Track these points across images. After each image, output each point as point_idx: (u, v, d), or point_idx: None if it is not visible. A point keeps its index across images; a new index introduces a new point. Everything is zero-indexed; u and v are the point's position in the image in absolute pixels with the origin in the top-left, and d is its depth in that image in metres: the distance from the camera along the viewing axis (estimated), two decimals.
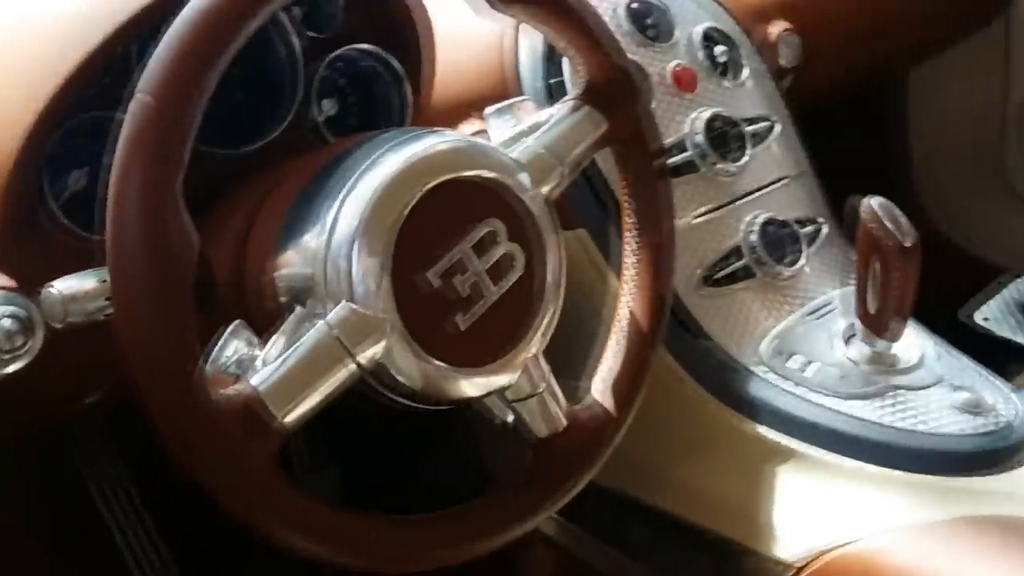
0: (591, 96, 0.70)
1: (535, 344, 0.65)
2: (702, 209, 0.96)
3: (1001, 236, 1.52)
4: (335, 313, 0.58)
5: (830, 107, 1.47)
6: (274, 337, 0.59)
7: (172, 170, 0.52)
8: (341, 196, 0.61)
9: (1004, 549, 0.78)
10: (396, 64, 0.80)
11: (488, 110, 0.73)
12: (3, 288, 0.60)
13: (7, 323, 0.59)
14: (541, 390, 0.66)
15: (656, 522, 0.95)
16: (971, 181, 1.57)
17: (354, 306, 0.58)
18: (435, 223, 0.61)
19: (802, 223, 1.00)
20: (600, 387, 0.72)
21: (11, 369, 0.59)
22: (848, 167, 1.13)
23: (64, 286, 0.59)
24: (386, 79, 0.81)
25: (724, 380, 0.91)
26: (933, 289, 1.08)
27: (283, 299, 0.63)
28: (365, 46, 0.79)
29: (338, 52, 0.79)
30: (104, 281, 0.59)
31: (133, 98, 0.53)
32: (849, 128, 1.54)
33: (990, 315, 1.05)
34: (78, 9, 0.66)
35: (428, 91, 0.83)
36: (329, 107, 0.82)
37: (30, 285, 0.61)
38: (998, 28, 1.46)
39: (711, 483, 0.92)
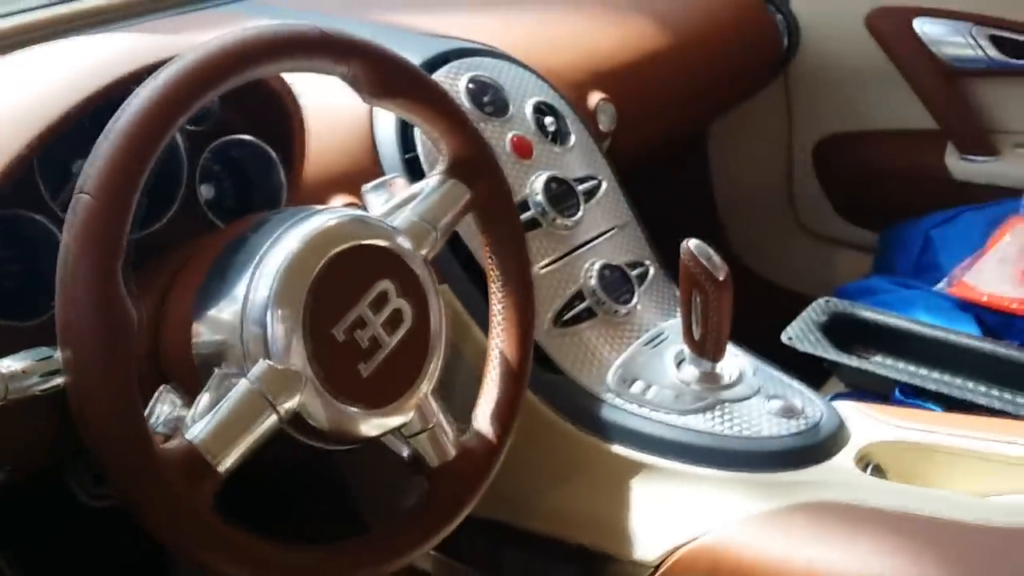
0: (455, 171, 0.79)
1: (426, 385, 0.73)
2: (547, 260, 1.04)
3: (796, 266, 1.68)
4: (255, 370, 0.64)
5: (650, 162, 1.61)
6: (199, 397, 0.66)
7: (115, 258, 0.58)
8: (250, 272, 0.67)
9: (826, 528, 0.87)
10: (270, 151, 0.86)
11: (365, 187, 0.81)
12: None
13: None
14: (432, 425, 0.75)
15: (527, 544, 1.02)
16: (767, 220, 1.72)
17: (272, 363, 0.65)
18: (336, 287, 0.68)
19: (632, 266, 1.09)
20: (481, 418, 0.80)
21: None
22: (670, 214, 1.25)
23: (2, 366, 0.64)
24: (262, 164, 0.87)
25: (579, 408, 0.99)
26: (750, 317, 1.22)
27: (198, 364, 0.69)
28: (242, 136, 0.85)
29: (217, 143, 0.84)
30: (40, 360, 0.65)
31: (75, 197, 0.59)
32: (669, 180, 1.66)
33: (793, 334, 1.20)
34: (1, 116, 0.71)
35: (299, 172, 0.89)
36: (207, 191, 0.87)
37: None
38: (779, 84, 1.63)
39: (575, 501, 0.99)
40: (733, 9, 1.51)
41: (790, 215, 1.72)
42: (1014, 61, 1.46)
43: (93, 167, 0.59)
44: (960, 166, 1.53)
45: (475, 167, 0.80)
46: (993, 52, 1.46)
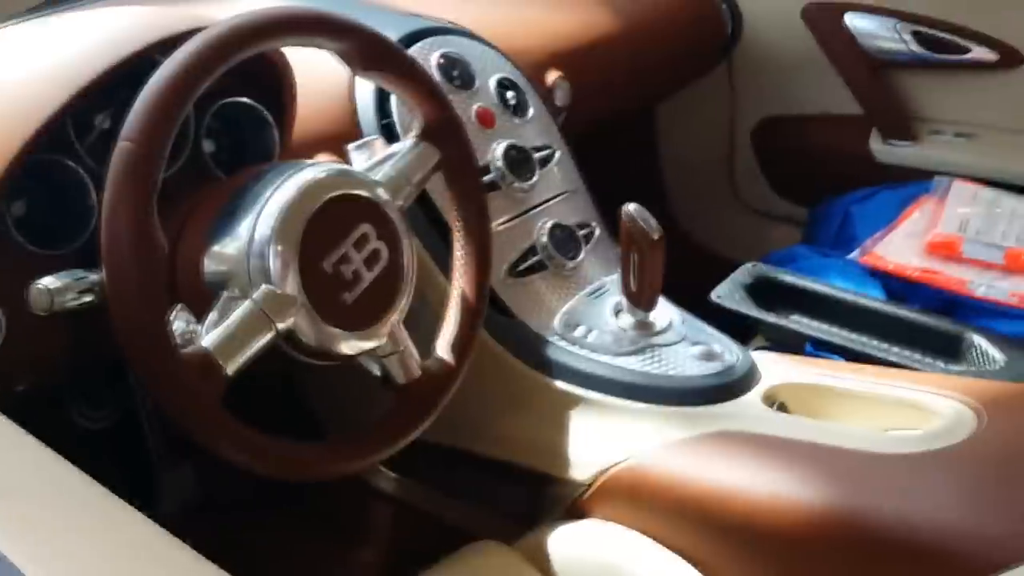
0: (427, 135, 0.91)
1: (398, 315, 0.86)
2: (504, 218, 1.15)
3: (733, 235, 1.80)
4: (258, 294, 0.77)
5: (602, 135, 1.72)
6: (209, 315, 0.78)
7: (151, 194, 0.71)
8: (255, 213, 0.80)
9: (733, 454, 0.98)
10: (266, 112, 0.98)
11: (350, 146, 0.93)
12: None
13: None
14: (401, 349, 0.88)
15: (479, 466, 1.14)
16: (708, 193, 1.84)
17: (272, 287, 0.78)
18: (326, 228, 0.81)
19: (580, 227, 1.20)
20: (442, 347, 0.92)
21: None
22: (619, 182, 1.36)
23: (48, 282, 0.76)
24: (257, 124, 0.99)
25: (528, 348, 1.10)
26: (680, 277, 1.34)
27: (206, 290, 0.82)
28: (242, 99, 0.97)
29: (219, 104, 0.96)
30: (77, 279, 0.77)
31: (119, 144, 0.72)
32: (619, 152, 1.79)
33: (722, 293, 1.33)
34: (38, 75, 0.83)
35: (290, 132, 1.01)
36: (208, 146, 0.98)
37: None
38: (723, 69, 1.75)
39: (522, 429, 1.10)
40: None
41: (729, 189, 1.83)
42: (934, 55, 1.58)
43: (134, 119, 0.72)
44: (882, 149, 1.64)
45: (445, 132, 0.92)
46: (915, 47, 1.58)
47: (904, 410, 1.03)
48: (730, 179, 1.82)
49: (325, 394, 1.27)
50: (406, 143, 0.92)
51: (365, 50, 0.85)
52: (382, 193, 0.86)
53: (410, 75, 0.89)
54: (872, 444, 0.97)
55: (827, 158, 1.71)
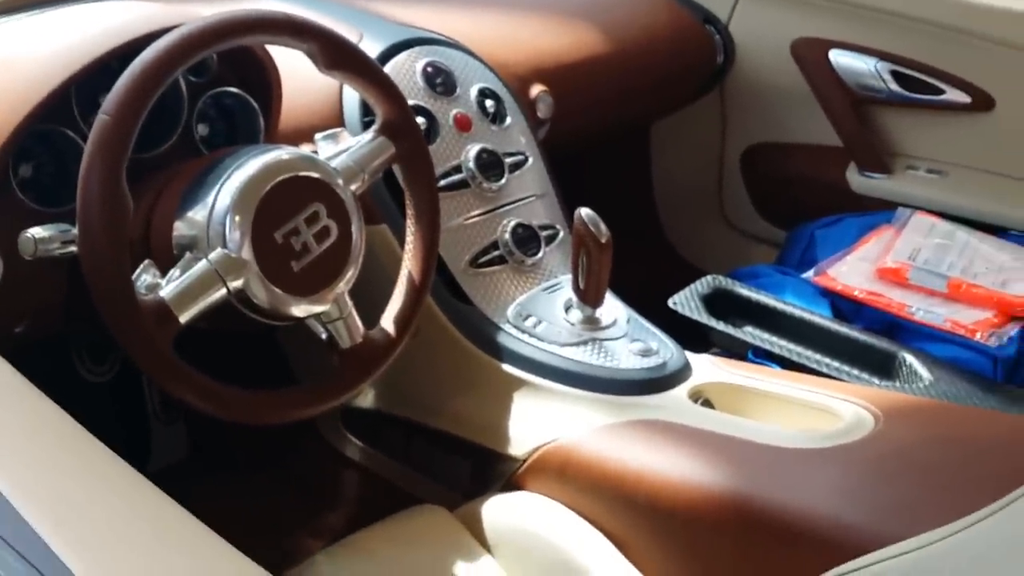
0: (384, 130, 1.02)
1: (344, 286, 0.96)
2: (472, 214, 1.24)
3: (716, 253, 1.87)
4: (214, 255, 0.89)
5: (598, 150, 1.82)
6: (172, 271, 0.90)
7: (120, 161, 0.83)
8: (219, 185, 0.92)
9: (653, 440, 1.06)
10: (253, 102, 1.10)
11: (318, 135, 1.04)
12: None
13: None
14: (345, 316, 0.98)
15: (433, 439, 1.23)
16: (696, 211, 1.92)
17: (227, 251, 0.90)
18: (281, 203, 0.91)
19: (543, 228, 1.28)
20: (386, 319, 1.03)
21: None
22: (613, 194, 1.44)
23: (34, 232, 0.89)
24: (246, 112, 1.10)
25: (482, 334, 1.18)
26: (661, 286, 1.41)
27: (175, 251, 0.94)
28: (232, 89, 1.09)
29: (211, 92, 1.08)
30: (62, 231, 0.89)
31: (98, 117, 0.84)
32: (614, 166, 1.89)
33: (678, 300, 1.42)
34: (47, 54, 0.95)
35: (276, 121, 1.12)
36: (203, 129, 1.10)
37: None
38: (716, 95, 1.83)
39: (471, 407, 1.19)
40: (672, 26, 1.70)
41: (716, 208, 1.90)
42: (911, 95, 1.66)
43: (112, 97, 0.84)
44: (859, 180, 1.72)
45: (400, 129, 1.02)
46: (894, 86, 1.66)
47: (814, 412, 1.11)
48: (717, 199, 1.90)
49: (303, 356, 1.38)
50: (365, 136, 1.03)
51: (327, 50, 0.97)
52: (336, 178, 0.97)
53: (369, 75, 1.00)
54: (777, 440, 1.05)
55: (808, 185, 1.78)
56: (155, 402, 1.50)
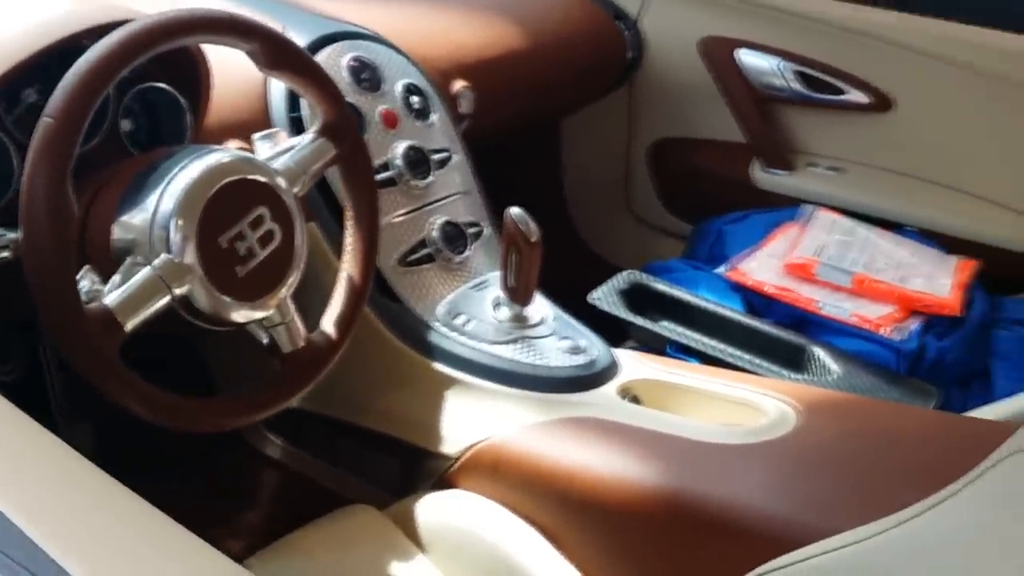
0: (325, 131, 1.00)
1: (286, 290, 0.95)
2: (399, 212, 1.23)
3: (624, 246, 1.92)
4: (158, 261, 0.86)
5: (509, 145, 1.82)
6: (114, 277, 0.87)
7: (66, 166, 0.80)
8: (160, 189, 0.89)
9: (584, 436, 1.07)
10: (181, 98, 1.07)
11: (256, 135, 1.02)
12: None
13: None
14: (287, 320, 0.97)
15: (361, 438, 1.23)
16: (605, 204, 1.95)
17: (171, 256, 0.88)
18: (224, 207, 0.89)
19: (469, 225, 1.29)
20: (326, 323, 1.02)
21: None
22: (524, 189, 1.46)
23: None
24: (173, 108, 1.07)
25: (411, 332, 1.18)
26: (574, 280, 1.43)
27: (113, 255, 0.91)
28: (159, 84, 1.06)
29: (138, 87, 1.05)
30: (2, 236, 0.86)
31: (41, 120, 0.81)
32: (525, 161, 1.90)
33: (599, 296, 1.45)
34: None
35: (203, 117, 1.10)
36: (126, 125, 1.06)
37: None
38: (624, 90, 1.87)
39: (401, 406, 1.19)
40: (585, 22, 1.72)
41: (624, 202, 1.94)
42: (813, 94, 1.73)
43: (56, 99, 0.81)
44: (762, 176, 1.78)
45: (341, 131, 1.01)
46: (797, 85, 1.72)
47: (738, 407, 1.15)
48: (625, 193, 1.93)
49: (223, 360, 1.36)
50: (306, 137, 1.01)
51: (270, 51, 0.95)
52: (279, 180, 0.95)
53: (311, 76, 0.99)
54: (705, 435, 1.08)
55: (713, 180, 1.83)
56: (60, 403, 1.45)
